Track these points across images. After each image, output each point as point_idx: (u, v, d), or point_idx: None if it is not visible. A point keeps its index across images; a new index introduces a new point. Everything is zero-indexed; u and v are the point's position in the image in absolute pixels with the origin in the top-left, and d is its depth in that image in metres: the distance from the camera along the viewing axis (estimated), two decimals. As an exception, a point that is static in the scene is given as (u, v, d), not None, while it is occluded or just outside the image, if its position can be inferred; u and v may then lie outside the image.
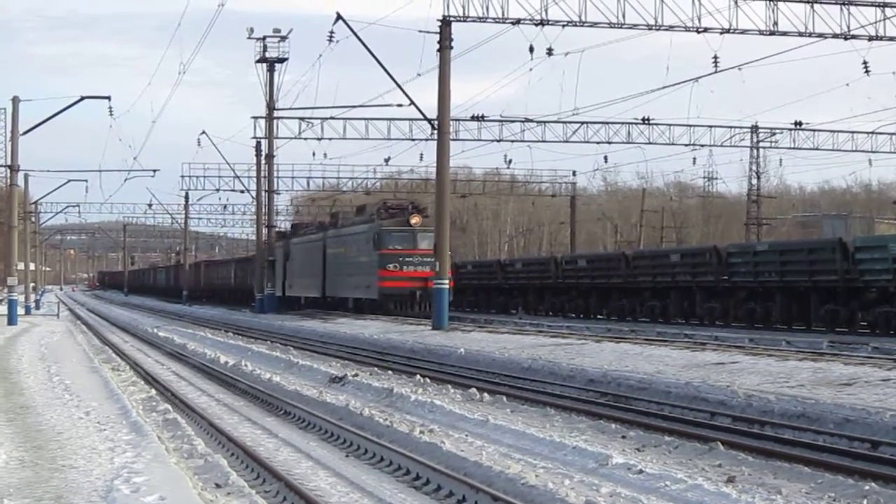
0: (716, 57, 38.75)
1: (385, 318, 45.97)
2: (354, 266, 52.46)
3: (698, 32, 38.22)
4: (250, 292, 70.15)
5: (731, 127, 64.71)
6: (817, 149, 64.14)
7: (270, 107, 61.21)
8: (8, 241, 50.98)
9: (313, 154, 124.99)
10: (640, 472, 12.49)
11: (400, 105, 47.19)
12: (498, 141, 60.08)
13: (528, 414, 18.69)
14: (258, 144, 64.38)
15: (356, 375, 24.68)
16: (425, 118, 43.77)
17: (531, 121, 59.27)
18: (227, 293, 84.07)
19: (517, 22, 37.30)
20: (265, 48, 61.04)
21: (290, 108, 59.67)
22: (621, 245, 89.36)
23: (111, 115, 52.51)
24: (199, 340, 39.69)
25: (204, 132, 71.79)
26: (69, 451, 13.61)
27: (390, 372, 26.60)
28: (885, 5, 38.63)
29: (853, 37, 38.83)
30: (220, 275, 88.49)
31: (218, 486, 12.07)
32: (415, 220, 49.05)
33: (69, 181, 74.65)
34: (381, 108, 55.75)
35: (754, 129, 69.28)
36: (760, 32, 38.60)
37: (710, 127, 63.13)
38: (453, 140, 47.01)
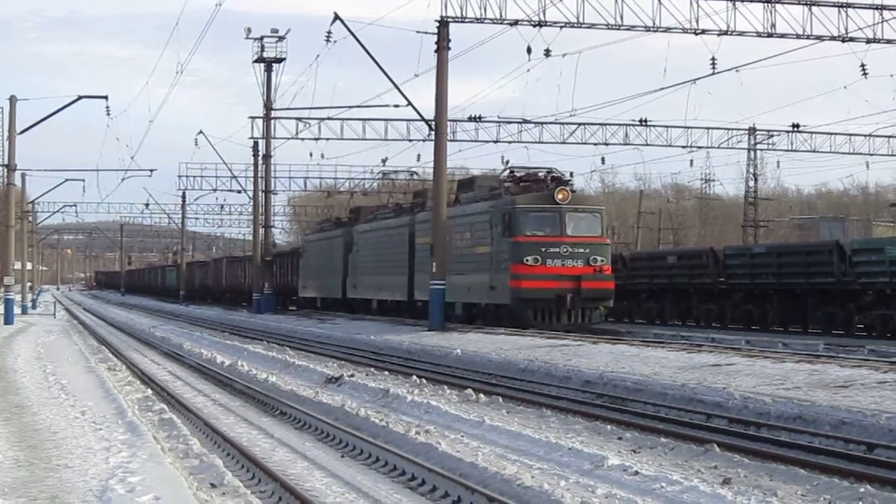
0: (713, 59, 38.81)
1: (382, 319, 45.73)
2: (467, 260, 39.24)
3: (696, 34, 38.21)
4: (288, 291, 66.25)
5: (728, 129, 64.75)
6: (815, 151, 64.17)
7: (268, 107, 61.21)
8: (5, 240, 50.95)
9: (310, 154, 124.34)
10: (636, 473, 12.49)
11: (397, 105, 47.15)
12: (495, 142, 60.04)
13: (524, 415, 18.69)
14: (255, 144, 64.44)
15: (352, 376, 24.68)
16: (423, 119, 43.78)
17: (528, 122, 59.23)
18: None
19: (515, 23, 37.29)
20: (263, 48, 61.08)
21: (288, 109, 59.77)
22: (618, 246, 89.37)
23: (108, 114, 52.71)
24: (195, 340, 39.68)
25: (201, 132, 71.75)
26: (65, 451, 13.60)
27: (386, 372, 26.59)
28: (882, 8, 38.65)
29: (851, 39, 38.84)
30: (246, 273, 79.94)
31: (213, 486, 12.07)
32: (561, 195, 36.21)
33: (66, 181, 74.72)
34: (379, 109, 55.74)
35: (752, 131, 69.29)
36: (758, 34, 38.59)
37: (708, 129, 63.14)
38: (450, 141, 47.08)
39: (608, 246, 37.63)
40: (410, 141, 60.25)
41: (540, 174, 38.47)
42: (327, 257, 56.87)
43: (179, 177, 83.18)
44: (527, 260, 35.48)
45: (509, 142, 60.41)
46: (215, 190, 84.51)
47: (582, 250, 35.80)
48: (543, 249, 35.71)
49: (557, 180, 37.55)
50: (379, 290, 49.07)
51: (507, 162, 58.73)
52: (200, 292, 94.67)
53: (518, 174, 39.02)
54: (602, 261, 36.02)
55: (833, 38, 38.72)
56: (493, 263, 37.04)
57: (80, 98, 48.56)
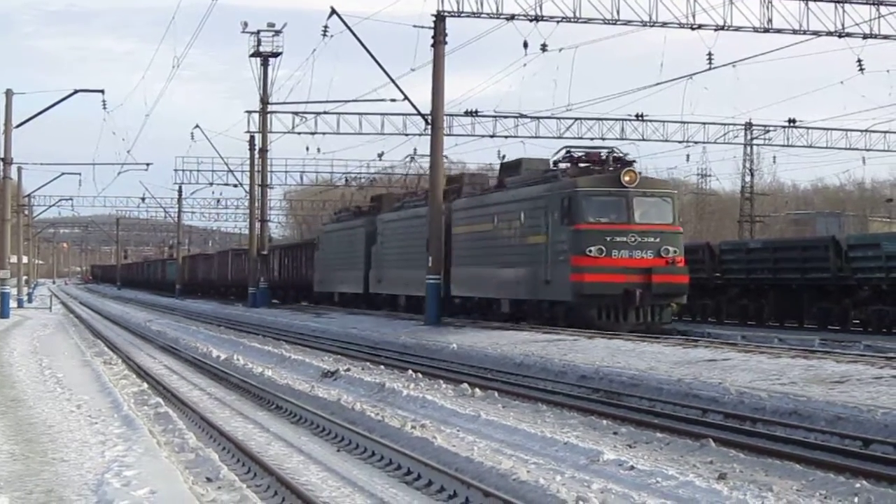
0: (710, 54, 38.75)
1: (378, 314, 45.64)
2: (515, 251, 35.21)
3: (693, 29, 38.19)
4: (301, 286, 63.11)
5: (724, 124, 64.74)
6: (811, 146, 64.18)
7: (264, 101, 61.18)
8: (1, 234, 50.88)
9: (307, 148, 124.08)
10: (632, 468, 12.49)
11: (394, 100, 46.87)
12: (491, 136, 59.97)
13: (519, 410, 18.69)
14: (252, 139, 64.44)
15: (348, 370, 24.68)
16: (419, 113, 43.67)
17: (525, 116, 59.20)
18: (274, 286, 67.92)
19: (511, 17, 37.26)
20: (259, 42, 61.13)
21: (284, 103, 59.56)
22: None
23: (105, 108, 52.28)
24: (191, 334, 39.65)
25: (198, 126, 71.76)
26: (60, 445, 13.59)
27: (382, 367, 26.59)
28: (879, 3, 38.59)
29: (847, 34, 38.81)
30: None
31: (209, 479, 12.07)
32: (628, 177, 32.03)
33: (62, 174, 74.77)
34: (375, 103, 55.72)
35: (748, 126, 69.31)
36: (755, 30, 38.60)
37: (704, 124, 63.10)
38: (447, 135, 46.96)
39: (681, 235, 33.45)
40: (407, 135, 60.23)
41: (601, 154, 34.43)
42: (347, 249, 52.96)
43: (176, 171, 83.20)
44: (590, 251, 31.28)
45: (506, 136, 60.39)
46: (211, 184, 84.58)
47: (652, 239, 31.76)
48: (609, 239, 31.54)
49: (620, 161, 33.60)
50: (407, 286, 43.99)
51: (504, 157, 57.41)
52: (203, 286, 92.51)
53: (576, 154, 34.81)
54: (675, 252, 32.11)
55: (829, 34, 38.70)
56: (548, 255, 32.89)
57: (76, 92, 48.48)
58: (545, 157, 38.78)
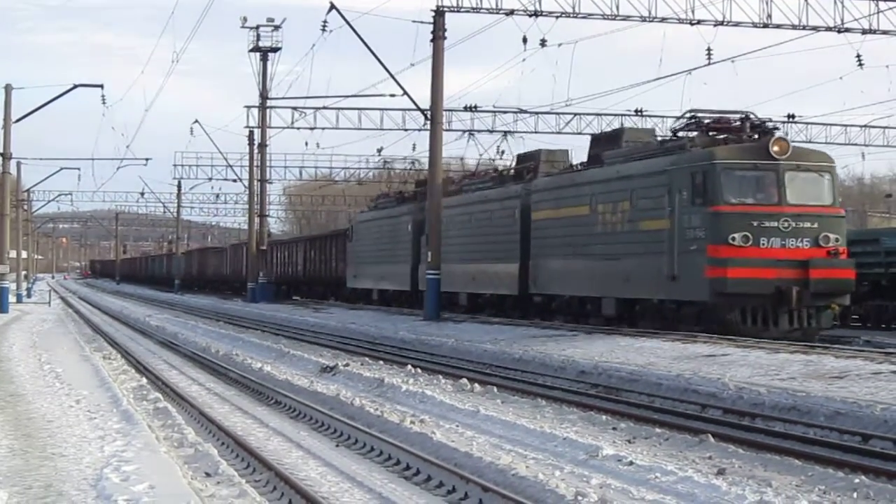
0: (709, 49, 38.76)
1: (374, 309, 45.57)
2: (621, 239, 29.80)
3: (692, 24, 38.20)
4: (329, 281, 59.75)
5: (724, 119, 64.62)
6: (810, 142, 63.99)
7: (263, 96, 61.27)
8: (0, 228, 50.87)
9: (306, 144, 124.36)
10: (631, 463, 12.50)
11: (393, 95, 46.90)
12: (490, 132, 59.95)
13: (518, 405, 18.69)
14: (251, 134, 64.54)
15: (347, 365, 24.65)
16: (418, 108, 43.71)
17: (524, 111, 59.10)
18: (297, 282, 67.21)
19: (511, 13, 37.26)
20: (258, 37, 61.37)
21: (283, 98, 59.64)
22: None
23: (104, 103, 52.34)
24: (190, 329, 39.64)
25: (197, 121, 71.96)
26: (59, 440, 13.59)
27: (381, 362, 26.58)
28: (878, -2, 38.63)
29: (847, 30, 38.84)
30: (274, 260, 69.67)
31: (208, 475, 12.06)
32: (778, 146, 26.47)
33: (62, 169, 74.92)
34: (375, 98, 55.66)
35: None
36: (754, 25, 38.59)
37: (704, 119, 63.02)
38: (446, 130, 46.93)
39: (843, 219, 27.70)
40: (406, 130, 60.21)
41: (733, 121, 28.37)
42: (389, 240, 47.43)
43: (175, 166, 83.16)
44: (733, 238, 25.87)
45: (505, 132, 60.33)
46: (211, 179, 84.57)
47: (809, 225, 26.34)
48: (756, 224, 26.11)
49: (760, 128, 27.96)
50: (471, 281, 38.43)
51: (503, 152, 55.91)
52: (214, 282, 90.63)
53: (705, 120, 28.66)
54: (837, 240, 26.52)
55: (829, 29, 38.72)
56: (674, 244, 27.28)
57: (75, 87, 48.55)
58: (649, 127, 35.04)
